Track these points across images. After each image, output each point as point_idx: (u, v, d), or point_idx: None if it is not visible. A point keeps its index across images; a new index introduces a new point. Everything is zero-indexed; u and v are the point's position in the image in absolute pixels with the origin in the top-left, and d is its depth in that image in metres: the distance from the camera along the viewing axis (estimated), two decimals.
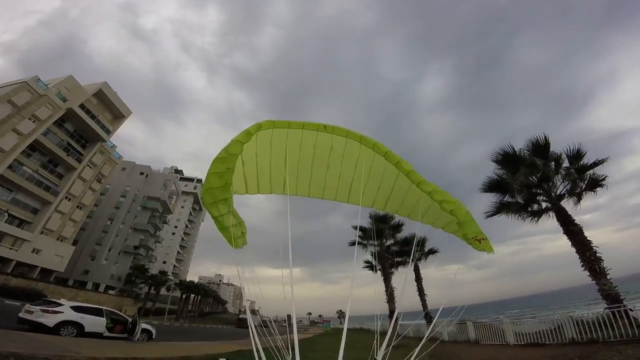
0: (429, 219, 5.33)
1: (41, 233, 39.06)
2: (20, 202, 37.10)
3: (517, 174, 14.69)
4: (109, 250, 54.84)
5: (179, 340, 20.08)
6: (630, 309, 10.67)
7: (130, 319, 15.69)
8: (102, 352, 10.50)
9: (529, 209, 15.51)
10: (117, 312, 16.38)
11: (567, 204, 14.49)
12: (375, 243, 27.42)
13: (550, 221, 14.93)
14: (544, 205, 15.17)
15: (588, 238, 13.07)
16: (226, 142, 4.22)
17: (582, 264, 12.92)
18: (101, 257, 53.10)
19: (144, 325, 16.02)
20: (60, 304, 13.47)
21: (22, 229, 36.94)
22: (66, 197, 43.06)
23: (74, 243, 46.39)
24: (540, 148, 14.84)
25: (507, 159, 15.50)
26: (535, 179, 14.67)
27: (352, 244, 27.59)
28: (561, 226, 13.92)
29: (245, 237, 5.10)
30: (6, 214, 34.75)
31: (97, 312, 14.51)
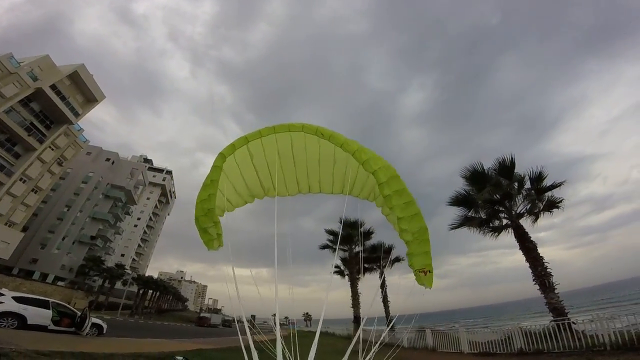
0: (368, 193, 5.60)
1: None
2: None
3: (483, 191, 15.54)
4: (63, 239, 51.58)
5: (132, 336, 19.16)
6: (574, 322, 11.47)
7: (79, 313, 14.89)
8: (45, 345, 9.87)
9: (491, 224, 16.42)
10: (66, 305, 15.48)
11: (525, 222, 15.47)
12: (345, 248, 27.83)
13: (508, 237, 15.85)
14: (504, 222, 16.07)
15: (541, 254, 14.00)
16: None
17: (533, 278, 13.79)
18: (53, 246, 49.82)
19: (94, 320, 15.24)
20: (1, 294, 12.70)
21: None
22: (21, 179, 40.14)
23: (24, 229, 43.21)
24: (506, 168, 15.79)
25: (475, 177, 16.38)
26: (499, 196, 15.58)
27: (323, 247, 28.09)
28: (518, 242, 14.81)
29: (221, 238, 5.26)
30: None
31: (43, 304, 13.69)
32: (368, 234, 27.15)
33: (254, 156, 5.24)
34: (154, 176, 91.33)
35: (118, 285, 57.18)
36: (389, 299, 25.35)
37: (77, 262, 53.23)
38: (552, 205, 15.13)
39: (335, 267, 29.21)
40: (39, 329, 13.02)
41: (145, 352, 11.69)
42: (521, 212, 15.66)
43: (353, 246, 27.93)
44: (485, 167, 16.36)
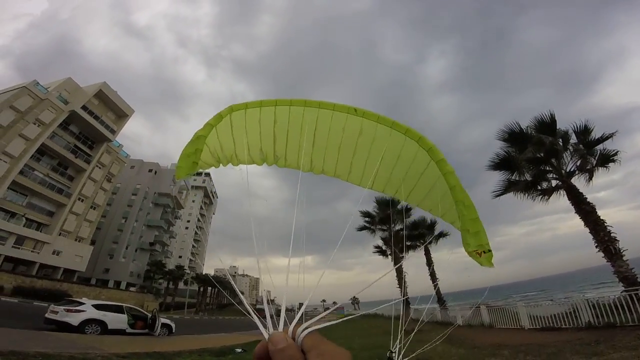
0: (450, 217, 5.15)
1: (59, 235, 40.33)
2: (35, 205, 38.28)
3: (525, 150, 14.21)
4: (126, 248, 56.21)
5: (198, 333, 20.60)
6: None
7: (150, 315, 16.08)
8: (124, 348, 10.85)
9: (538, 187, 14.96)
10: (137, 308, 16.85)
11: (579, 182, 14.03)
12: (384, 228, 27.10)
13: (562, 200, 14.42)
14: (554, 183, 14.64)
15: (601, 217, 12.66)
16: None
17: (596, 244, 12.54)
18: (119, 255, 54.51)
19: (163, 320, 16.53)
20: (82, 303, 13.98)
21: (40, 231, 38.17)
22: (79, 199, 44.09)
23: (92, 243, 47.76)
24: (546, 125, 14.30)
25: (514, 137, 14.98)
26: (542, 155, 14.16)
27: (360, 229, 27.47)
28: (573, 205, 13.45)
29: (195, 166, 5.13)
30: (24, 218, 35.86)
31: (118, 309, 14.97)
32: (407, 211, 25.79)
33: (277, 122, 5.01)
34: (194, 179, 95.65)
35: (180, 285, 61.53)
36: (437, 277, 24.42)
37: (142, 268, 57.91)
38: (607, 159, 13.50)
39: (376, 247, 28.67)
40: (118, 332, 14.32)
41: (209, 347, 12.51)
42: (572, 170, 14.15)
43: (392, 225, 26.98)
44: (522, 127, 14.87)
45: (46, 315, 13.08)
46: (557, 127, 14.30)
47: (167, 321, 17.12)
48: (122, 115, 51.63)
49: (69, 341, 10.96)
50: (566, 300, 13.33)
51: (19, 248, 34.91)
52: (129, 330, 14.84)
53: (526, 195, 15.19)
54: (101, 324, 13.72)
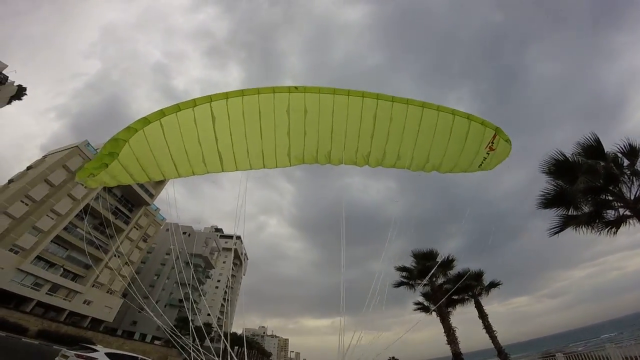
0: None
1: (92, 286, 40.62)
2: (74, 258, 39.20)
3: (578, 180, 11.94)
4: (156, 303, 56.56)
5: None
6: None
7: None
8: None
9: (603, 219, 12.40)
10: None
11: None
12: (425, 282, 23.51)
13: (628, 234, 12.04)
14: (621, 212, 12.18)
15: None
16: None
17: None
18: (148, 310, 54.62)
19: None
20: (95, 350, 13.17)
21: (75, 281, 38.68)
22: (115, 255, 46.31)
23: (124, 296, 48.45)
24: (593, 149, 12.20)
25: (561, 167, 12.70)
26: (601, 182, 11.91)
27: (397, 285, 24.39)
28: None
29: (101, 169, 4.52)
30: (62, 268, 37.50)
31: None
32: (449, 263, 23.21)
33: (308, 112, 5.03)
34: (225, 242, 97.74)
35: (206, 342, 59.31)
36: (494, 329, 21.30)
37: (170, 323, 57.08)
38: None
39: (416, 303, 25.05)
40: None
41: None
42: (637, 195, 11.68)
43: (434, 279, 23.70)
44: (567, 155, 12.62)
45: (56, 359, 12.12)
46: (606, 151, 12.18)
47: None
48: (160, 180, 56.16)
49: None
50: None
51: (52, 295, 35.22)
52: None
53: (590, 229, 12.57)
54: None
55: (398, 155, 5.31)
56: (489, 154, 4.80)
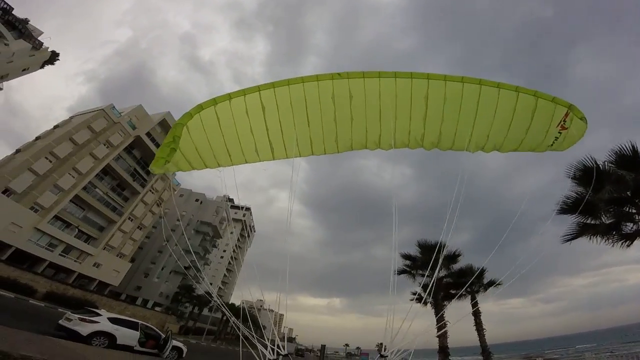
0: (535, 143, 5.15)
1: (104, 249, 40.99)
2: (90, 220, 39.81)
3: (604, 189, 11.71)
4: (162, 269, 56.67)
5: None
6: None
7: (163, 335, 15.07)
8: None
9: (621, 231, 12.21)
10: (153, 327, 15.81)
11: None
12: (426, 273, 24.11)
13: (638, 247, 11.79)
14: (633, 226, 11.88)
15: None
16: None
17: None
18: (154, 275, 54.76)
19: (175, 343, 15.41)
20: (98, 314, 13.34)
21: (88, 243, 39.14)
22: (129, 218, 45.72)
23: (132, 260, 48.50)
24: (628, 158, 11.76)
25: (589, 174, 12.20)
26: (628, 194, 11.57)
27: (400, 272, 24.16)
28: None
29: (170, 162, 5.10)
30: (77, 229, 37.44)
31: (133, 326, 14.09)
32: (454, 257, 23.56)
33: (353, 97, 5.03)
34: (235, 213, 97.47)
35: (205, 311, 59.97)
36: (484, 327, 21.34)
37: (172, 290, 57.35)
38: None
39: (413, 293, 25.60)
40: (126, 348, 13.33)
41: None
42: None
43: (437, 271, 24.46)
44: (599, 162, 12.05)
45: (60, 321, 12.42)
46: None
47: (180, 344, 15.85)
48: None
49: (67, 349, 10.04)
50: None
51: (64, 256, 35.55)
52: (138, 347, 13.75)
53: (604, 239, 12.48)
54: (110, 337, 12.79)
55: (455, 136, 5.17)
56: (560, 133, 4.50)
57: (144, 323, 14.95)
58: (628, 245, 12.25)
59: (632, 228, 12.06)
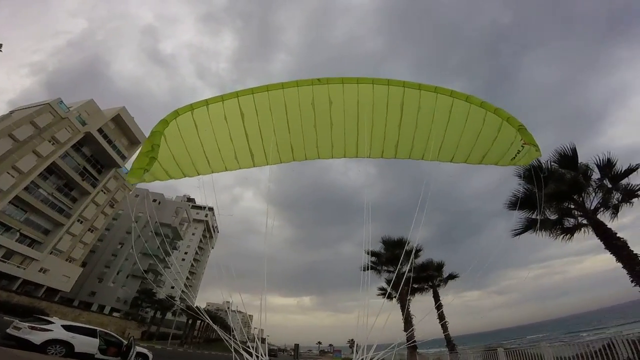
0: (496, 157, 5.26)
1: (50, 253, 37.56)
2: (33, 222, 36.00)
3: (547, 186, 12.80)
4: (117, 274, 53.07)
5: None
6: None
7: (125, 342, 14.37)
8: None
9: (563, 225, 13.49)
10: (113, 333, 14.80)
11: (603, 218, 12.62)
12: (390, 269, 24.55)
13: (577, 242, 13.28)
14: (579, 220, 13.22)
15: (634, 252, 11.26)
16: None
17: (631, 279, 11.12)
18: (109, 280, 51.20)
19: (140, 349, 14.58)
20: (50, 322, 12.38)
21: (32, 248, 35.57)
22: (78, 220, 42.06)
23: (83, 265, 44.73)
24: (568, 158, 13.06)
25: (534, 172, 13.17)
26: (566, 188, 12.82)
27: (365, 268, 23.36)
28: (602, 241, 12.03)
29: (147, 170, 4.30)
30: (18, 233, 33.79)
31: (90, 333, 13.21)
32: (416, 252, 23.88)
33: (333, 103, 5.05)
34: (197, 213, 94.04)
35: (168, 316, 57.44)
36: (446, 320, 22.34)
37: (131, 295, 54.09)
38: (632, 194, 12.22)
39: (381, 289, 26.06)
40: (86, 357, 12.56)
41: None
42: (596, 206, 12.78)
43: (400, 266, 24.57)
44: (542, 162, 13.32)
45: (7, 330, 11.38)
46: (579, 162, 13.06)
47: (144, 350, 15.07)
48: (135, 142, 49.93)
49: (21, 359, 9.23)
50: (599, 338, 11.36)
51: (5, 262, 32.12)
52: (99, 355, 12.96)
53: (549, 233, 13.61)
54: (67, 345, 11.95)
55: (426, 146, 5.25)
56: (523, 147, 4.57)
57: (102, 330, 14.18)
58: (569, 238, 13.43)
59: (572, 222, 13.29)
